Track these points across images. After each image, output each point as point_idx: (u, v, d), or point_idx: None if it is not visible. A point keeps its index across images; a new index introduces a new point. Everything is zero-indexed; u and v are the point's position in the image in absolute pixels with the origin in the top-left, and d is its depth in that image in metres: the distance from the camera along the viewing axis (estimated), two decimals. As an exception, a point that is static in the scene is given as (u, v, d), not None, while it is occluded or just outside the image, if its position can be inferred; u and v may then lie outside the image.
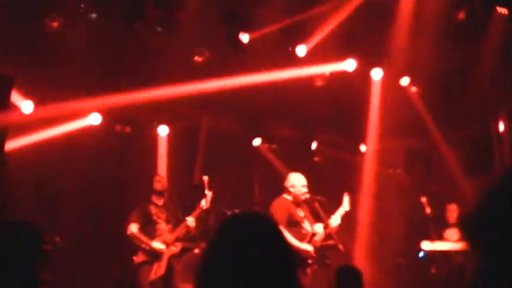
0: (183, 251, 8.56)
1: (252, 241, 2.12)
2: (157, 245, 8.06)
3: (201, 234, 8.89)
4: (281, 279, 2.09)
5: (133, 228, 8.11)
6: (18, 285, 2.95)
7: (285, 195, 8.01)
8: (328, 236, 8.00)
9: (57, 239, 8.65)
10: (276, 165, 10.95)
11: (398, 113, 11.38)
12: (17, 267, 2.97)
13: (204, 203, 8.14)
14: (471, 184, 12.69)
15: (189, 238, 8.47)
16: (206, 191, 8.13)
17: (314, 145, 11.27)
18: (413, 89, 11.41)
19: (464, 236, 1.68)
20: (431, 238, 9.44)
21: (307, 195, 7.97)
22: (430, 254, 9.67)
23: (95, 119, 9.36)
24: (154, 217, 8.25)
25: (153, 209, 8.28)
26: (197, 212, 8.20)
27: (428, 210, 9.54)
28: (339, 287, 5.73)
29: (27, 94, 8.64)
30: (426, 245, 9.62)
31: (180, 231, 8.18)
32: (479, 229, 1.64)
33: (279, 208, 7.76)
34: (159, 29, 9.16)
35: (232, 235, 2.15)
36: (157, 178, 8.47)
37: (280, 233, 2.22)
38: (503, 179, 1.65)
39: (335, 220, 8.05)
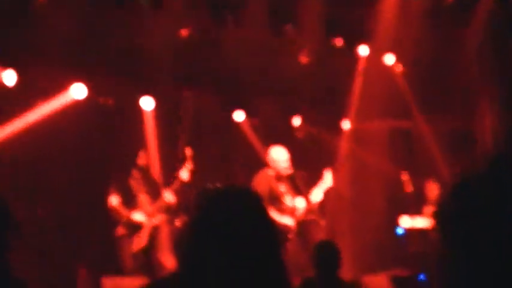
0: (164, 223, 8.58)
1: (237, 216, 2.08)
2: (137, 217, 8.06)
3: (182, 207, 8.90)
4: (266, 256, 2.07)
5: (114, 200, 8.10)
6: None
7: (267, 170, 8.04)
8: (309, 211, 8.06)
9: (39, 211, 8.65)
10: (258, 140, 10.97)
11: (381, 92, 11.41)
12: None
13: (183, 175, 8.12)
14: (451, 163, 12.81)
15: (170, 210, 8.48)
16: (187, 163, 8.11)
17: (297, 121, 11.28)
18: (399, 67, 11.44)
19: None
20: (410, 214, 9.52)
21: (289, 170, 8.00)
22: (409, 230, 9.76)
23: (80, 92, 9.28)
24: (134, 190, 8.24)
25: (133, 182, 8.27)
26: (176, 184, 8.20)
27: (408, 186, 9.60)
28: (317, 262, 5.73)
29: (9, 65, 8.57)
30: (405, 221, 9.71)
31: (159, 204, 8.18)
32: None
33: (260, 182, 7.79)
34: (145, 3, 9.13)
35: (216, 209, 2.10)
36: (142, 154, 8.44)
37: (265, 208, 2.19)
38: (471, 175, 1.67)
39: (316, 195, 8.10)
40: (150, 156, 8.55)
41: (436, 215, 1.61)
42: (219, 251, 2.01)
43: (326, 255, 5.71)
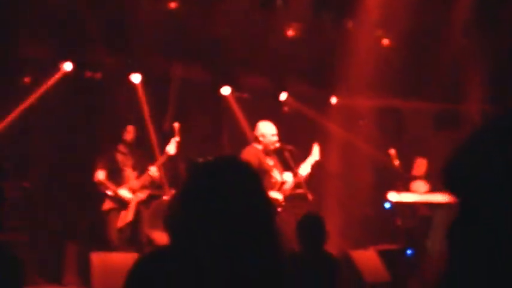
0: (151, 197, 8.56)
1: (230, 186, 2.05)
2: (124, 192, 8.03)
3: (169, 181, 8.87)
4: (259, 226, 2.04)
5: (101, 175, 8.07)
6: None
7: (255, 144, 7.99)
8: (297, 185, 8.04)
9: (26, 185, 8.59)
10: (246, 114, 10.92)
11: (370, 66, 11.38)
12: None
13: (170, 149, 8.08)
14: (440, 138, 12.84)
15: (156, 185, 8.45)
16: (174, 137, 8.05)
17: (284, 96, 11.22)
18: (385, 41, 11.40)
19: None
20: (398, 190, 9.53)
21: (277, 144, 7.97)
22: (397, 205, 9.79)
23: (66, 67, 9.18)
24: (121, 164, 8.21)
25: (119, 157, 8.24)
26: (163, 158, 8.16)
27: (396, 162, 9.61)
28: (302, 235, 5.66)
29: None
30: (393, 196, 9.73)
31: (145, 178, 8.15)
32: (453, 180, 1.66)
33: (248, 156, 7.72)
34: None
35: (209, 180, 2.06)
36: (128, 129, 8.37)
37: (260, 180, 2.17)
38: (476, 133, 1.66)
39: (304, 169, 8.08)
40: (137, 131, 8.44)
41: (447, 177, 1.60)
42: (211, 222, 1.98)
43: (311, 228, 5.65)
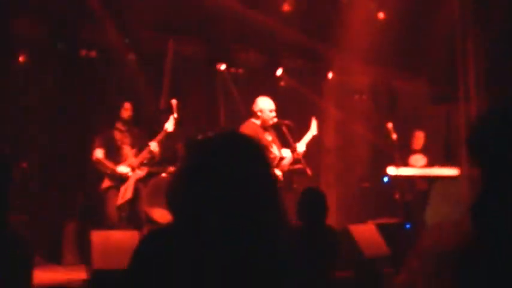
0: (149, 174, 8.53)
1: (235, 162, 2.01)
2: (122, 169, 7.99)
3: (168, 158, 8.82)
4: (265, 201, 2.01)
5: (99, 153, 8.03)
6: None
7: (253, 119, 7.97)
8: (295, 161, 8.03)
9: (24, 165, 8.54)
10: (242, 90, 10.87)
11: (365, 41, 11.33)
12: None
13: (168, 126, 8.04)
14: (435, 112, 12.86)
15: (155, 162, 8.41)
16: (174, 115, 8.00)
17: (279, 71, 11.15)
18: (381, 15, 11.34)
19: (470, 156, 1.73)
20: (396, 164, 9.53)
21: (275, 120, 7.95)
22: (395, 179, 9.79)
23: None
24: (119, 142, 8.16)
25: (117, 135, 8.19)
26: (161, 135, 8.11)
27: (393, 136, 9.60)
28: (303, 208, 5.69)
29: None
30: (391, 170, 9.73)
31: (144, 155, 8.11)
32: (481, 148, 1.69)
33: (247, 131, 7.68)
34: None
35: (213, 157, 2.02)
36: (125, 106, 8.30)
37: (264, 153, 2.13)
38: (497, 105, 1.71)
39: (303, 144, 8.07)
40: (134, 108, 8.37)
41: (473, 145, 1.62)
42: (214, 199, 1.95)
43: (312, 203, 5.67)
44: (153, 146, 8.02)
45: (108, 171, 7.95)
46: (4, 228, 2.75)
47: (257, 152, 2.10)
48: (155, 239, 2.06)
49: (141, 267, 1.99)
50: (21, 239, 2.85)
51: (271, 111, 7.93)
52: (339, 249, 5.91)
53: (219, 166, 1.99)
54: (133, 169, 8.03)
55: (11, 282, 2.31)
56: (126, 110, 8.23)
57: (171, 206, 2.06)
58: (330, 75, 11.80)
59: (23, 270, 2.81)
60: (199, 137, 8.48)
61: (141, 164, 8.14)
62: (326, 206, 5.71)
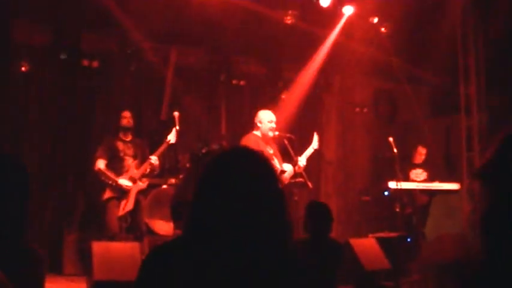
0: (150, 186, 8.53)
1: (248, 175, 2.03)
2: (124, 182, 7.98)
3: (169, 170, 8.83)
4: (276, 218, 2.02)
5: (101, 164, 8.01)
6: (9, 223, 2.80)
7: (255, 132, 7.99)
8: (296, 174, 8.04)
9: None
10: (244, 102, 10.91)
11: (367, 52, 11.36)
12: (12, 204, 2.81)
13: (171, 138, 8.03)
14: (436, 125, 12.88)
15: (155, 175, 8.41)
16: (176, 127, 7.98)
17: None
18: (383, 29, 11.35)
19: (481, 177, 1.79)
20: (397, 177, 9.53)
21: (276, 132, 7.97)
22: (395, 193, 9.79)
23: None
24: (121, 153, 8.14)
25: (120, 145, 8.17)
26: (163, 147, 8.10)
27: (394, 150, 9.60)
28: (309, 222, 5.77)
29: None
30: (392, 184, 9.73)
31: (145, 167, 8.11)
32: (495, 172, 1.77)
33: (248, 144, 7.70)
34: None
35: (225, 171, 2.04)
36: (124, 114, 8.30)
37: (273, 169, 2.14)
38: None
39: (304, 158, 8.09)
40: (134, 117, 8.38)
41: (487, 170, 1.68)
42: (225, 211, 1.96)
43: (318, 216, 5.77)
44: (154, 159, 8.01)
45: (110, 182, 7.94)
46: (21, 242, 2.75)
47: (265, 166, 2.11)
48: (163, 252, 2.07)
49: (148, 280, 2.01)
50: (36, 255, 2.84)
51: (270, 122, 7.94)
52: (342, 262, 5.98)
53: (228, 180, 2.01)
54: (134, 181, 8.02)
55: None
56: (125, 118, 8.22)
57: (177, 218, 2.09)
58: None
59: (36, 285, 2.81)
60: (204, 150, 8.50)
61: (143, 176, 8.14)
62: (331, 219, 5.82)
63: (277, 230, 2.03)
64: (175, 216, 5.81)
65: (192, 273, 1.93)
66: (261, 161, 2.12)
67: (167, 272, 1.96)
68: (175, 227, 7.75)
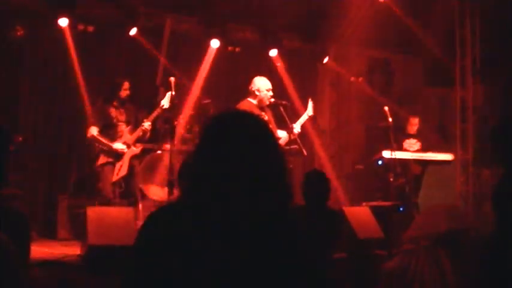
0: (144, 151, 8.52)
1: (249, 139, 2.01)
2: (118, 145, 7.97)
3: (164, 135, 8.80)
4: (276, 180, 2.01)
5: (94, 130, 7.98)
6: None
7: (250, 99, 7.95)
8: (291, 141, 8.02)
9: (20, 139, 8.49)
10: (239, 68, 10.85)
11: (362, 22, 11.30)
12: None
13: (165, 103, 7.96)
14: (432, 95, 12.88)
15: (146, 140, 8.39)
16: (171, 92, 7.90)
17: (274, 52, 11.05)
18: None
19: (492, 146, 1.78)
20: (391, 147, 9.54)
21: (272, 99, 7.93)
22: (389, 162, 9.80)
23: (62, 22, 9.01)
24: (114, 120, 8.11)
25: (112, 112, 8.13)
26: (157, 111, 8.04)
27: (389, 119, 9.59)
28: (307, 190, 5.81)
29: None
30: (386, 154, 9.75)
31: (138, 132, 8.08)
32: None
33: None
34: None
35: (230, 132, 2.02)
36: (125, 85, 8.22)
37: (274, 133, 2.12)
38: None
39: (299, 125, 8.08)
40: (131, 85, 8.31)
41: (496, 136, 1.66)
42: (230, 172, 1.94)
43: (317, 184, 5.80)
44: (147, 125, 7.98)
45: (104, 148, 7.92)
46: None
47: (266, 128, 2.09)
48: (161, 216, 2.04)
49: (147, 244, 1.98)
50: (17, 213, 2.83)
51: (268, 90, 7.91)
52: (340, 231, 6.03)
53: (229, 141, 1.99)
54: (128, 146, 8.01)
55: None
56: (125, 90, 8.18)
57: (184, 181, 2.06)
58: (326, 59, 11.67)
59: (20, 244, 2.79)
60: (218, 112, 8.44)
61: (136, 141, 8.12)
62: (329, 188, 5.89)
63: (278, 192, 2.01)
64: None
65: (192, 237, 1.90)
66: (262, 123, 2.10)
67: (166, 237, 1.93)
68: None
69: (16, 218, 2.85)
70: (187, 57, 10.50)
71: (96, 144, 7.97)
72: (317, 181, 5.85)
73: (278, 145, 2.14)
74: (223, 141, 2.00)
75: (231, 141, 1.99)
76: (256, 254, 1.92)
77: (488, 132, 1.60)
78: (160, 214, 2.07)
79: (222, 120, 2.09)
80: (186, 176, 2.06)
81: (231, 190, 1.93)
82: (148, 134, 8.18)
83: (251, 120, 2.09)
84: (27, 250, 2.90)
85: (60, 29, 9.03)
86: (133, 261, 1.98)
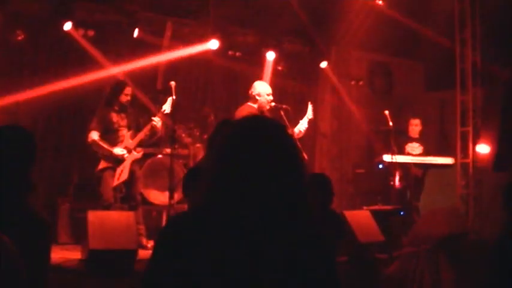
0: (146, 156, 8.52)
1: (270, 145, 2.00)
2: (118, 151, 7.97)
3: (165, 140, 8.80)
4: (301, 188, 2.03)
5: (94, 135, 7.98)
6: (14, 189, 2.82)
7: (250, 103, 7.96)
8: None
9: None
10: (239, 72, 10.86)
11: (362, 25, 11.32)
12: (15, 171, 2.84)
13: (166, 108, 7.96)
14: (432, 99, 12.88)
15: (151, 143, 8.38)
16: (172, 96, 7.89)
17: (271, 55, 11.06)
18: (380, 2, 11.30)
19: None
20: (391, 151, 9.54)
21: (273, 104, 7.94)
22: (390, 166, 9.81)
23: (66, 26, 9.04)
24: (115, 125, 8.11)
25: (114, 117, 8.12)
26: (158, 116, 8.03)
27: (390, 123, 9.60)
28: (310, 193, 5.79)
29: None
30: (387, 158, 9.74)
31: (141, 136, 8.07)
32: None
33: (243, 115, 7.67)
34: None
35: (251, 139, 2.01)
36: (126, 91, 8.22)
37: (295, 140, 2.13)
38: None
39: (299, 129, 8.09)
40: (132, 89, 8.32)
41: None
42: (253, 179, 1.94)
43: (320, 187, 5.82)
44: (157, 120, 7.92)
45: (105, 153, 7.93)
46: (25, 208, 2.76)
47: (288, 136, 2.10)
48: (183, 222, 2.03)
49: (168, 250, 1.96)
50: (42, 219, 2.85)
51: (268, 94, 7.92)
52: (344, 234, 6.06)
53: (253, 149, 1.98)
54: (129, 151, 8.01)
55: (31, 262, 2.30)
56: (127, 96, 8.18)
57: (203, 188, 2.04)
58: (325, 63, 11.68)
59: (42, 250, 2.82)
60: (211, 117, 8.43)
61: (138, 145, 8.12)
62: (332, 191, 5.94)
63: (301, 199, 2.03)
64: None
65: (214, 244, 1.89)
66: (285, 131, 2.10)
67: (187, 244, 1.91)
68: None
69: (40, 225, 2.87)
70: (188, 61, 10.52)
71: (97, 149, 7.97)
72: (320, 184, 5.87)
73: (299, 152, 2.14)
74: (247, 148, 1.99)
75: (256, 148, 1.99)
76: (279, 263, 1.91)
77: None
78: (182, 219, 2.06)
79: (245, 127, 2.08)
80: (206, 181, 2.04)
81: (255, 197, 1.93)
82: (159, 134, 8.15)
83: (274, 126, 2.09)
84: (49, 256, 2.92)
85: (62, 34, 9.05)
86: (153, 267, 1.98)
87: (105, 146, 7.95)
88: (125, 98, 8.17)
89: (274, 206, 1.94)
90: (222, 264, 1.88)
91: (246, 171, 1.95)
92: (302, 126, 8.07)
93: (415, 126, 10.57)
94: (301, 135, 8.05)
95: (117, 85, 8.33)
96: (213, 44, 10.36)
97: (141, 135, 8.04)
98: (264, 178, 1.94)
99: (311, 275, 1.95)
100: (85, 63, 9.47)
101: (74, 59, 9.49)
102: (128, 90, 8.20)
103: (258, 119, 2.18)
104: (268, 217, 1.92)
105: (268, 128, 2.06)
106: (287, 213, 1.96)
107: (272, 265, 1.89)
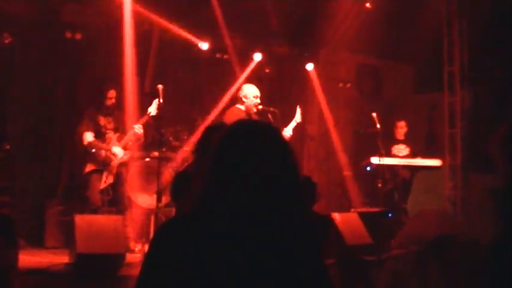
0: (132, 159, 8.50)
1: (264, 150, 1.99)
2: (117, 149, 7.99)
3: (153, 143, 8.77)
4: (292, 192, 2.02)
5: (89, 137, 7.98)
6: None
7: (238, 105, 7.98)
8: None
9: (7, 147, 8.44)
10: (227, 75, 10.84)
11: (350, 28, 11.35)
12: None
13: (152, 110, 7.93)
14: (420, 101, 12.92)
15: (141, 144, 8.37)
16: (157, 99, 7.86)
17: (258, 56, 11.05)
18: (368, 5, 11.33)
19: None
20: (379, 153, 9.56)
21: (260, 107, 7.95)
22: (377, 168, 9.83)
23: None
24: (103, 129, 8.11)
25: (101, 120, 8.12)
26: (144, 119, 8.01)
27: (377, 125, 9.62)
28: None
29: None
30: (374, 160, 9.77)
31: (129, 138, 8.07)
32: None
33: (231, 117, 7.67)
34: None
35: (245, 143, 2.00)
36: (109, 95, 8.19)
37: (291, 146, 2.12)
38: None
39: (287, 132, 8.10)
40: (118, 93, 8.30)
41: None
42: (248, 185, 1.93)
43: (305, 189, 5.78)
44: (137, 127, 7.94)
45: (104, 152, 7.93)
46: None
47: (283, 140, 2.08)
48: (173, 229, 2.01)
49: (160, 260, 1.93)
50: (4, 219, 2.84)
51: (255, 97, 7.94)
52: (327, 236, 6.03)
53: (247, 154, 1.97)
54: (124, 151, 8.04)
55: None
56: (111, 99, 8.17)
57: (194, 192, 2.03)
58: (311, 65, 11.68)
59: (9, 250, 2.80)
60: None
61: (125, 148, 8.11)
62: (316, 193, 5.87)
63: (295, 204, 2.02)
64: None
65: (207, 249, 1.88)
66: (279, 135, 2.10)
67: (179, 250, 1.89)
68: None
69: (3, 224, 2.86)
70: (175, 63, 10.50)
71: (95, 150, 7.93)
72: (303, 186, 5.83)
73: (294, 155, 2.11)
74: (241, 152, 1.98)
75: (250, 152, 1.98)
76: (275, 267, 1.90)
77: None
78: (172, 226, 2.03)
79: (239, 131, 2.07)
80: (198, 186, 2.02)
81: (249, 204, 1.92)
82: (142, 139, 8.16)
83: (269, 131, 2.08)
84: (16, 256, 2.91)
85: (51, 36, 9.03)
86: (145, 274, 1.96)
87: (103, 145, 7.96)
88: (109, 101, 8.16)
89: (270, 209, 1.94)
90: (217, 271, 1.86)
91: (240, 176, 1.94)
92: (287, 133, 8.07)
93: (400, 129, 10.61)
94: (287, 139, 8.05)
95: (101, 88, 8.30)
96: (203, 46, 10.38)
97: (127, 140, 8.04)
98: (260, 181, 1.94)
99: (307, 276, 1.95)
100: (74, 65, 9.45)
101: (63, 61, 9.43)
102: (112, 93, 8.18)
103: (252, 123, 2.18)
104: (264, 220, 1.92)
105: (263, 132, 2.06)
106: (283, 216, 1.96)
107: (269, 271, 1.88)
